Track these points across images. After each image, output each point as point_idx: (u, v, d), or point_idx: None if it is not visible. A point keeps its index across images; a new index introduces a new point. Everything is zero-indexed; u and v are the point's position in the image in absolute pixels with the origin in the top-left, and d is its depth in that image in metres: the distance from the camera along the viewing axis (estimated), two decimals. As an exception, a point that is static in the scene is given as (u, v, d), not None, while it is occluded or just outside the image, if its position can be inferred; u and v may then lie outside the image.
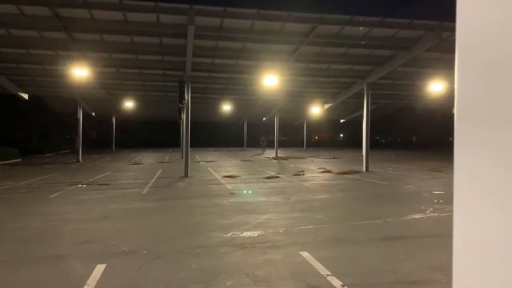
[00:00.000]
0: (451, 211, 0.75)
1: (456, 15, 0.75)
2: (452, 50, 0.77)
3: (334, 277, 4.91)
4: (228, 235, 7.05)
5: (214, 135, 59.97)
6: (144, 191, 12.77)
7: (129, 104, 30.72)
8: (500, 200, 0.68)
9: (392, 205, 10.28)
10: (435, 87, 21.16)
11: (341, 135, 75.11)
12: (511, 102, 0.66)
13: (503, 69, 0.68)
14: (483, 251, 0.72)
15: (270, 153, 36.72)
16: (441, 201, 10.57)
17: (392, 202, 10.75)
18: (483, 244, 0.72)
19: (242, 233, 7.19)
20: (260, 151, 41.75)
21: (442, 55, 17.24)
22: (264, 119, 44.36)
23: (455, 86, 0.76)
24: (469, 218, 0.74)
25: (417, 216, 8.75)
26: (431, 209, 9.42)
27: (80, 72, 17.91)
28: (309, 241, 6.66)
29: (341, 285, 4.69)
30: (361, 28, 14.92)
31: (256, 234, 7.09)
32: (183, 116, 21.01)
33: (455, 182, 0.76)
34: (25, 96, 24.38)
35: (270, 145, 42.17)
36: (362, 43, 16.28)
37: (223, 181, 15.45)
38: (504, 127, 0.67)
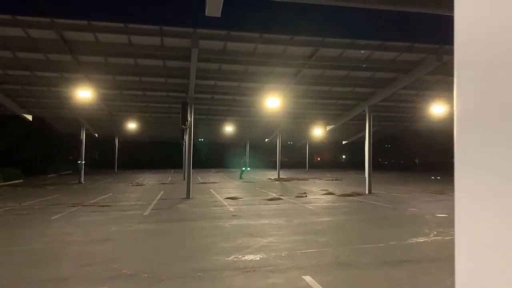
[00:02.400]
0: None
1: (454, 33, 0.77)
2: (453, 73, 0.79)
3: (337, 302, 4.84)
4: (230, 258, 6.98)
5: (217, 156, 59.97)
6: (146, 213, 12.71)
7: (132, 125, 30.88)
8: (501, 217, 0.69)
9: (395, 228, 10.19)
10: (437, 109, 21.25)
11: (344, 156, 75.08)
12: (510, 118, 0.68)
13: (502, 86, 0.69)
14: (486, 267, 0.72)
15: (272, 174, 36.60)
16: (445, 224, 10.48)
17: (395, 225, 10.66)
18: (486, 259, 0.72)
19: (244, 256, 7.12)
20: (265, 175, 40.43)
21: (443, 77, 17.37)
22: (266, 140, 44.41)
23: (454, 103, 0.77)
24: (472, 235, 0.75)
25: (421, 239, 8.66)
26: (435, 233, 9.34)
27: (84, 94, 18.12)
28: (312, 265, 6.59)
29: (345, 310, 4.61)
30: (362, 51, 15.10)
31: (258, 258, 7.02)
32: (186, 138, 21.12)
33: (456, 200, 0.77)
34: (29, 117, 24.57)
35: (272, 166, 41.32)
36: (364, 66, 16.45)
37: (225, 203, 15.39)
38: (504, 144, 0.68)
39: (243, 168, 34.01)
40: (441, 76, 17.10)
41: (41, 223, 10.76)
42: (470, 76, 0.76)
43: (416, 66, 16.12)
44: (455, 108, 0.77)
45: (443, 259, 6.88)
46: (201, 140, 27.73)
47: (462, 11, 0.77)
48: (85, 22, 12.98)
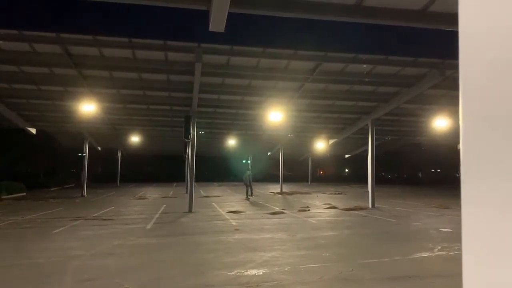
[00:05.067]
0: (459, 249, 0.77)
1: (459, 51, 0.78)
2: (455, 88, 0.80)
3: (341, 319, 4.78)
4: (233, 273, 6.93)
5: (219, 170, 59.91)
6: (148, 227, 12.66)
7: (135, 139, 30.97)
8: (508, 226, 0.69)
9: (399, 242, 10.11)
10: (440, 123, 21.24)
11: (346, 170, 74.81)
12: None
13: (506, 99, 0.70)
14: (493, 276, 0.72)
15: (274, 188, 36.40)
16: (449, 239, 10.38)
17: (399, 240, 10.57)
18: (493, 267, 0.72)
19: (247, 271, 7.06)
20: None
21: (446, 92, 17.40)
22: (269, 153, 44.38)
23: (460, 122, 0.78)
24: (479, 245, 0.75)
25: (425, 254, 8.58)
26: (439, 247, 9.25)
27: (88, 108, 18.25)
28: (315, 280, 6.53)
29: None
30: (365, 65, 15.17)
31: (261, 273, 6.96)
32: (189, 151, 21.14)
33: (463, 217, 0.77)
34: (33, 130, 24.69)
35: (275, 179, 40.49)
36: (366, 80, 16.51)
37: (227, 217, 15.33)
38: (509, 154, 0.68)
39: (249, 180, 25.74)
40: (443, 90, 17.13)
41: (43, 236, 10.73)
42: (474, 89, 0.76)
43: (419, 80, 16.16)
44: (460, 119, 0.78)
45: (448, 274, 6.80)
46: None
47: (467, 25, 0.78)
48: (90, 37, 13.12)
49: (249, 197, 25.01)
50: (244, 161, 31.19)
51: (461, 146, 0.78)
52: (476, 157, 0.75)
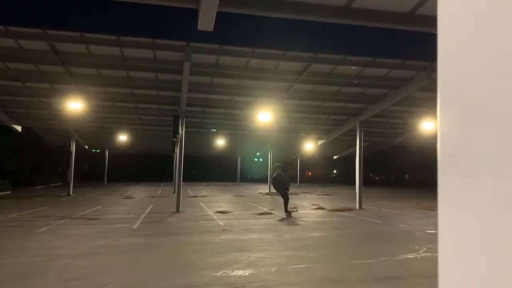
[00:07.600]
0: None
1: (437, 53, 0.78)
2: None
3: (327, 320, 4.78)
4: (219, 273, 6.89)
5: (207, 170, 59.72)
6: (135, 227, 12.56)
7: (123, 138, 30.71)
8: (484, 239, 0.69)
9: (385, 244, 10.17)
10: (427, 125, 21.46)
11: (334, 171, 75.16)
12: (492, 138, 0.68)
13: (484, 103, 0.70)
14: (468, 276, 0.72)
15: (263, 188, 36.43)
16: (435, 240, 10.46)
17: (385, 241, 10.64)
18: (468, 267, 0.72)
19: (233, 271, 7.04)
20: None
21: (433, 94, 17.55)
22: (257, 154, 44.38)
23: (437, 122, 0.78)
24: (454, 257, 0.76)
25: (411, 255, 8.65)
26: (425, 249, 9.33)
27: (75, 105, 18.01)
28: (302, 281, 6.53)
29: (334, 328, 4.56)
30: (353, 67, 15.25)
31: (248, 273, 6.94)
32: (177, 150, 21.05)
33: (439, 217, 0.77)
34: (19, 128, 24.34)
35: (263, 180, 40.51)
36: (355, 82, 16.60)
37: (215, 217, 15.28)
38: (486, 167, 0.68)
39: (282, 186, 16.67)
40: (431, 93, 17.31)
41: (27, 235, 10.57)
42: (452, 94, 0.77)
43: (407, 82, 16.30)
44: (438, 120, 0.78)
45: (433, 275, 6.83)
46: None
47: (445, 30, 0.78)
48: (77, 34, 12.94)
49: (291, 213, 15.73)
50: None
51: (438, 147, 0.78)
52: (453, 157, 0.75)
